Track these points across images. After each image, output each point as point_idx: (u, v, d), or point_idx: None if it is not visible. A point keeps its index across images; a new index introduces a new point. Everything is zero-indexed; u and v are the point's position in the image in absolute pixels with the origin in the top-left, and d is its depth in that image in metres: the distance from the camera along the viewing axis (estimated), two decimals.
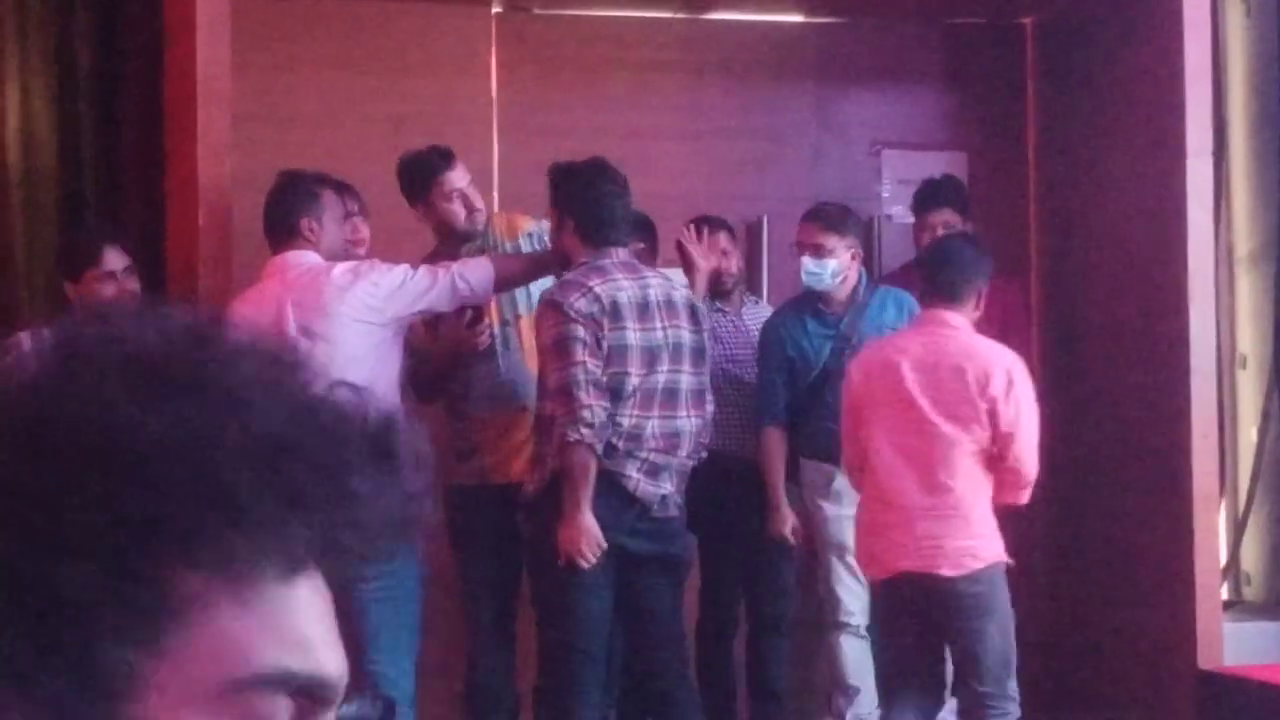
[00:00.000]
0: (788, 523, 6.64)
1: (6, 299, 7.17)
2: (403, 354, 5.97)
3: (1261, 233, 8.01)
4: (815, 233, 6.69)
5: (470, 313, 6.21)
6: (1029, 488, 5.86)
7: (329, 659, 0.99)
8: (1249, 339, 8.04)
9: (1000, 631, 5.79)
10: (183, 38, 6.41)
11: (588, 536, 5.71)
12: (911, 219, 7.42)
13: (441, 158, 6.33)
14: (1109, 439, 6.78)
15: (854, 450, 6.01)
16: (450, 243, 6.31)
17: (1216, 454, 7.12)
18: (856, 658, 6.64)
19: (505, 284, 6.10)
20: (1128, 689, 6.97)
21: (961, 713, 5.95)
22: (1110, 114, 7.50)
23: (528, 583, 6.17)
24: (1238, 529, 7.94)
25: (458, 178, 6.33)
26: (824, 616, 6.71)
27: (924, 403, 5.75)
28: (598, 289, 5.80)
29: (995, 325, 6.55)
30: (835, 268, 6.67)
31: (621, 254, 5.96)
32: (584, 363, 5.74)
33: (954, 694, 6.27)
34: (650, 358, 5.86)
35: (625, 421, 5.80)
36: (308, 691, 0.97)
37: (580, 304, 5.77)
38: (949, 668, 6.00)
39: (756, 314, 7.10)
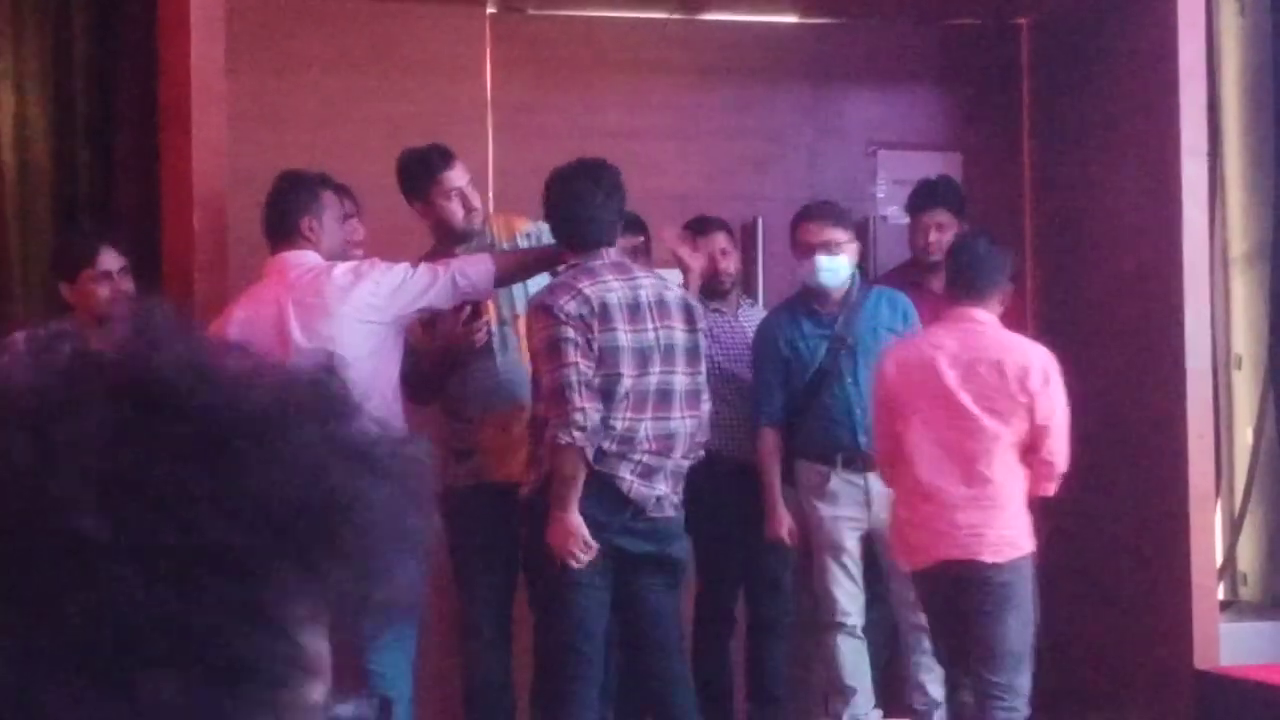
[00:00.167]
0: (785, 524, 6.63)
1: (1, 299, 7.16)
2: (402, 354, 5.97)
3: (1256, 233, 8.01)
4: (827, 229, 6.69)
5: (469, 309, 6.20)
6: (1059, 479, 6.02)
7: None
8: (1244, 339, 8.04)
9: (1021, 623, 5.93)
10: (178, 38, 6.40)
11: (575, 537, 5.72)
12: (907, 219, 7.41)
13: (441, 156, 6.32)
14: (1105, 439, 6.78)
15: (886, 445, 6.14)
16: (448, 242, 6.30)
17: (1212, 454, 7.12)
18: (852, 658, 6.63)
19: (505, 280, 6.09)
20: (1124, 689, 6.97)
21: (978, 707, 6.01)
22: (1105, 114, 7.50)
23: (525, 583, 6.17)
24: (1234, 529, 7.94)
25: (457, 176, 6.33)
26: (820, 617, 6.70)
27: (964, 398, 5.92)
28: (587, 290, 5.79)
29: None
30: (847, 263, 6.69)
31: (612, 254, 5.93)
32: (576, 364, 5.73)
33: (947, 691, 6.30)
34: (642, 359, 5.84)
35: (618, 424, 5.79)
36: None
37: (570, 306, 5.76)
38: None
39: (752, 316, 7.10)
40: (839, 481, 6.65)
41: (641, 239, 6.87)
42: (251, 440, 0.97)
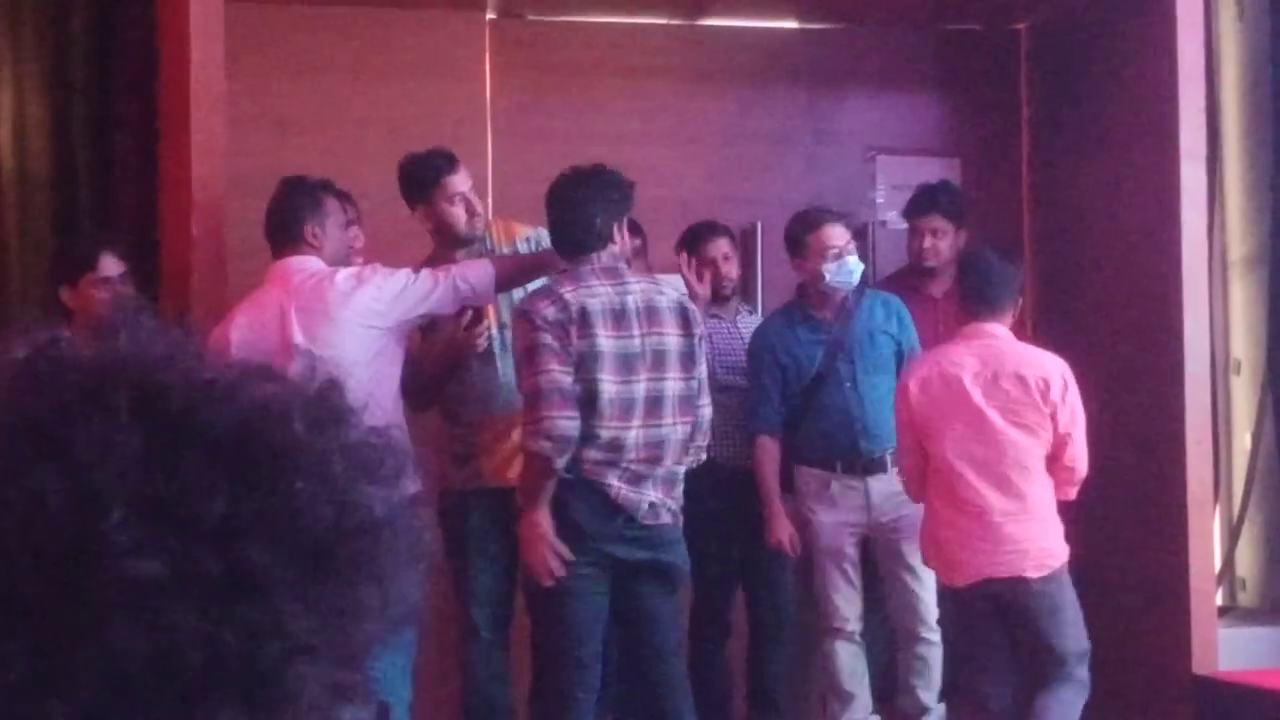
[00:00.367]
0: (786, 531, 6.62)
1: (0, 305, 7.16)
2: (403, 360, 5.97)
3: (1255, 237, 8.01)
4: (843, 232, 6.70)
5: (470, 314, 6.20)
6: (1079, 485, 6.18)
7: None
8: (1243, 344, 8.04)
9: (1075, 620, 6.12)
10: (178, 42, 6.40)
11: (544, 540, 5.72)
12: (905, 225, 7.42)
13: (445, 161, 6.32)
14: (1103, 444, 6.77)
15: (913, 463, 6.23)
16: (449, 247, 6.30)
17: (1211, 459, 7.12)
18: (850, 663, 6.64)
19: (506, 284, 6.08)
20: (1123, 694, 6.97)
21: (1041, 687, 6.12)
22: (1103, 118, 7.50)
23: (522, 587, 6.17)
24: (1232, 534, 7.94)
25: (460, 181, 6.32)
26: (818, 622, 6.70)
27: (990, 413, 6.06)
28: (567, 296, 5.77)
29: None
30: (859, 264, 6.73)
31: (604, 259, 5.89)
32: (549, 372, 5.71)
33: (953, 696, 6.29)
34: (627, 365, 5.80)
35: (603, 433, 5.76)
36: None
37: (548, 312, 5.75)
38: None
39: (750, 324, 7.10)
40: (839, 486, 6.65)
41: (639, 242, 6.87)
42: (278, 461, 0.97)
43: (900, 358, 6.73)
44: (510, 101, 7.62)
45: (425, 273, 5.95)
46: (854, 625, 6.63)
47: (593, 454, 5.75)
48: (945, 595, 6.43)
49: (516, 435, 6.16)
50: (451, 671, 6.42)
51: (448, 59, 7.50)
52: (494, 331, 6.32)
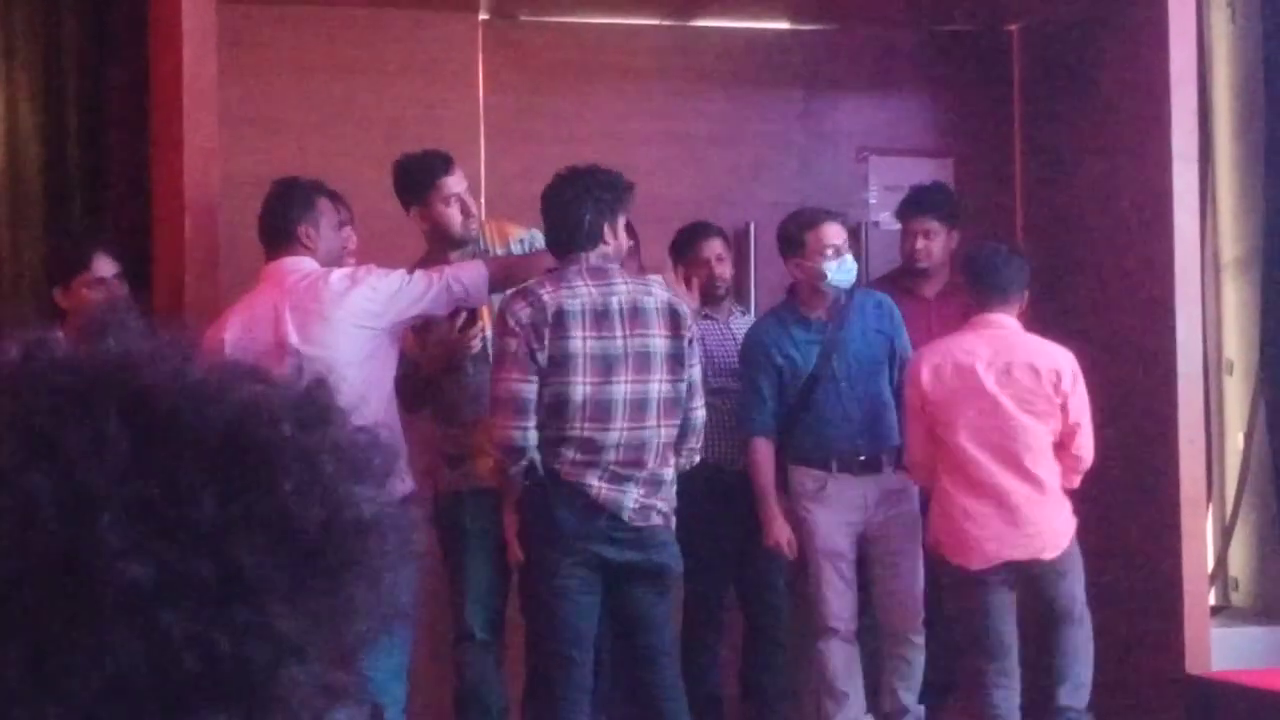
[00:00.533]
0: (785, 534, 6.61)
1: None
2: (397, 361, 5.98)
3: (1247, 238, 8.02)
4: (842, 231, 6.70)
5: (464, 316, 6.20)
6: (1083, 473, 6.41)
7: None
8: (1235, 344, 8.05)
9: (1081, 574, 6.43)
10: (170, 43, 6.40)
11: (510, 540, 5.91)
12: (898, 226, 7.42)
13: (441, 162, 6.32)
14: (1096, 444, 6.77)
15: (924, 450, 6.40)
16: (443, 248, 6.30)
17: (1203, 460, 7.13)
18: (845, 663, 6.63)
19: (499, 285, 6.08)
20: (1116, 694, 6.97)
21: (1054, 629, 6.43)
22: (1096, 119, 7.50)
23: (518, 587, 6.18)
24: (1225, 534, 7.95)
25: (456, 182, 6.33)
26: (813, 622, 6.70)
27: (1006, 401, 6.26)
28: (545, 297, 5.76)
29: None
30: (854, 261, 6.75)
31: (593, 258, 5.87)
32: (507, 380, 5.78)
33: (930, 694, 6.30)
34: (605, 366, 5.78)
35: (578, 435, 5.76)
36: None
37: (522, 314, 5.76)
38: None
39: (744, 325, 7.08)
40: (835, 485, 6.65)
41: (632, 243, 6.86)
42: (266, 462, 0.97)
43: (893, 357, 6.74)
44: (503, 102, 7.62)
45: (419, 273, 5.95)
46: (849, 625, 6.63)
47: (570, 455, 5.76)
48: (951, 587, 6.43)
49: None
50: (445, 672, 6.42)
51: (441, 60, 7.50)
52: (488, 333, 6.31)
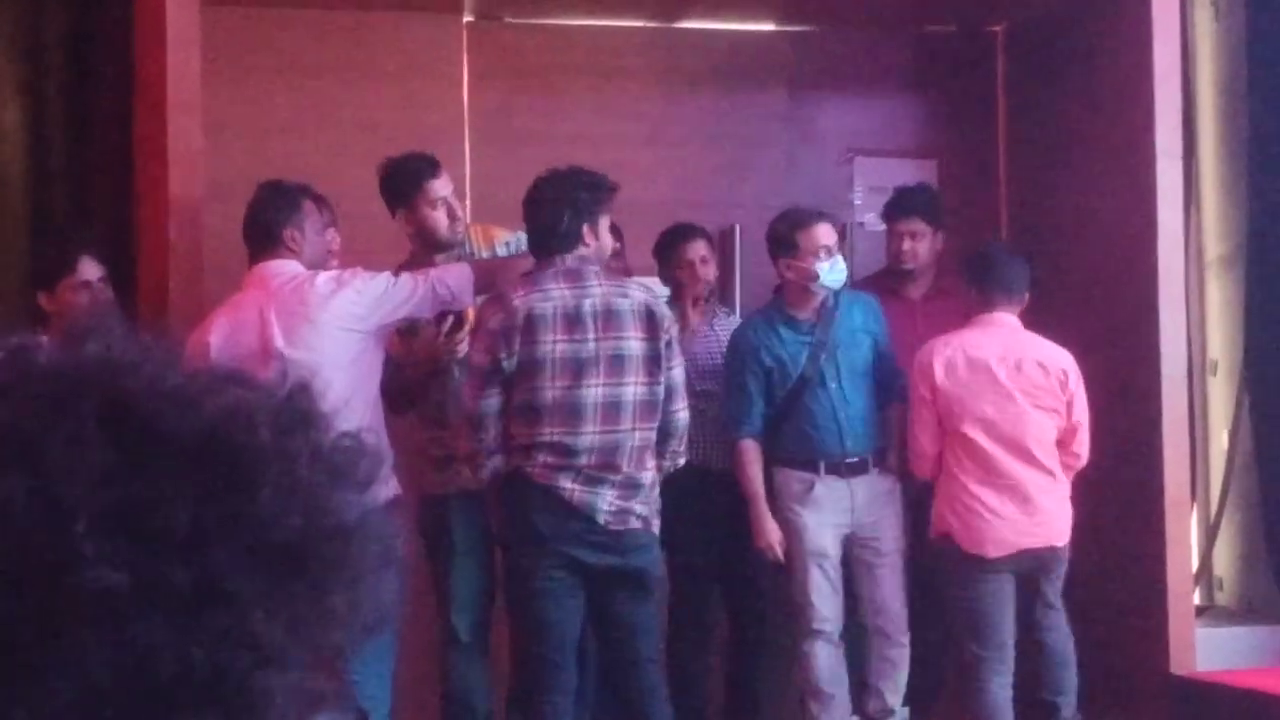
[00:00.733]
0: (775, 536, 6.60)
1: None
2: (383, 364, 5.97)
3: (1231, 236, 8.03)
4: (833, 232, 6.70)
5: (451, 320, 6.19)
6: (1078, 470, 6.57)
7: None
8: (1219, 344, 8.06)
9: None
10: (154, 46, 6.39)
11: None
12: (883, 227, 7.42)
13: (428, 165, 6.31)
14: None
15: (930, 441, 6.50)
16: (429, 251, 6.29)
17: (1188, 460, 7.14)
18: (830, 664, 6.63)
19: (483, 287, 6.08)
20: (1101, 694, 6.98)
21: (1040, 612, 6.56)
22: (1080, 118, 7.51)
23: (503, 589, 6.17)
24: (1209, 534, 7.95)
25: (442, 185, 6.32)
26: (798, 624, 6.70)
27: (1018, 394, 6.43)
28: (515, 303, 5.76)
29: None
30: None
31: (570, 260, 5.86)
32: (468, 392, 5.88)
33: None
34: (576, 369, 5.77)
35: (546, 438, 5.76)
36: None
37: (493, 321, 5.79)
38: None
39: (728, 326, 7.06)
40: (823, 487, 6.64)
41: (618, 245, 6.86)
42: (244, 467, 0.96)
43: (879, 358, 6.74)
44: (488, 104, 7.62)
45: (405, 276, 5.95)
46: (834, 627, 6.62)
47: (542, 458, 5.76)
48: (958, 576, 6.42)
49: None
50: (431, 677, 6.41)
51: (425, 62, 7.50)
52: None
